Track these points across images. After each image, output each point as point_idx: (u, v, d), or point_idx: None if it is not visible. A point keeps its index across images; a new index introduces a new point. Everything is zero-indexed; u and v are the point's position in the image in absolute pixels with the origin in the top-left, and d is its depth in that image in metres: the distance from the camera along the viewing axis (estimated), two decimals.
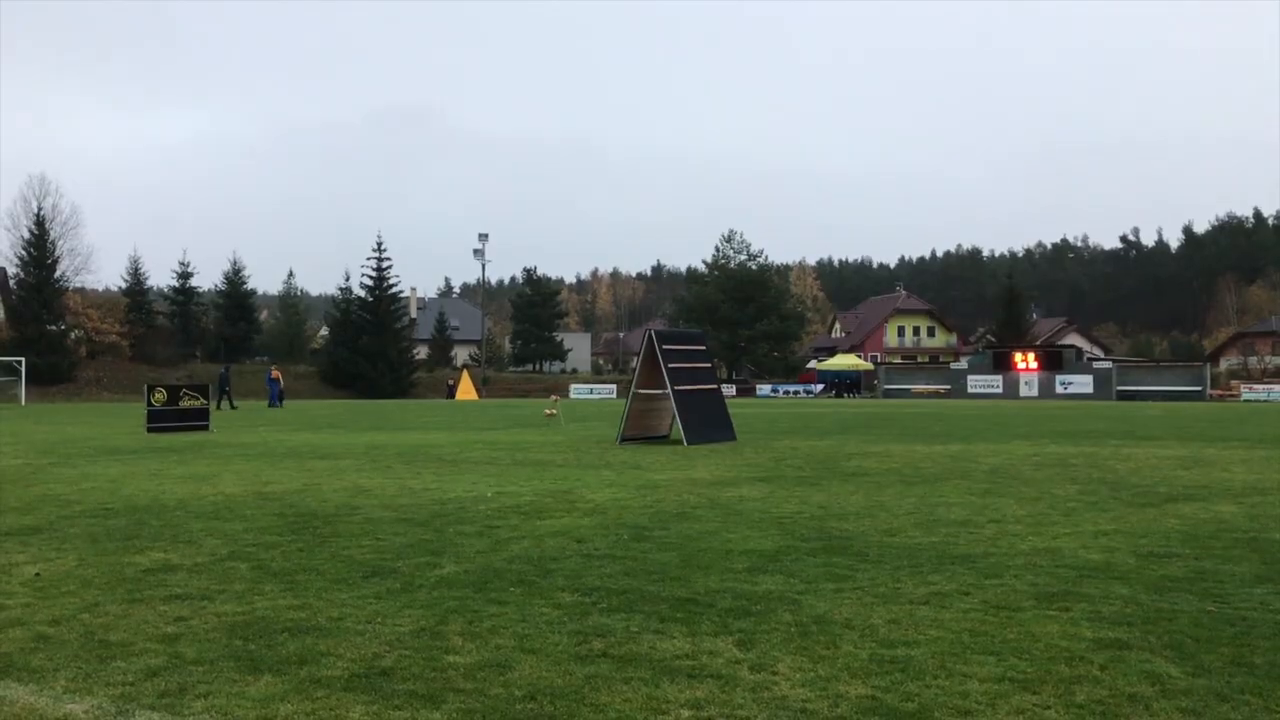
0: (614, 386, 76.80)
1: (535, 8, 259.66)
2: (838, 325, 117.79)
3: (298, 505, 10.69)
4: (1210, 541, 8.08)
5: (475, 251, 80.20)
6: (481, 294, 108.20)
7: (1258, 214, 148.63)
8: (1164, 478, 13.16)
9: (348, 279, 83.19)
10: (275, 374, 51.28)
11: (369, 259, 80.00)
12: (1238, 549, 7.73)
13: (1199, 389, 66.37)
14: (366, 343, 75.80)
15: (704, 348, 22.11)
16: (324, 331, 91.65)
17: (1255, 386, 70.13)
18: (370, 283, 79.75)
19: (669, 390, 19.80)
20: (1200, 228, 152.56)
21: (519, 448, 19.27)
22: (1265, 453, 17.39)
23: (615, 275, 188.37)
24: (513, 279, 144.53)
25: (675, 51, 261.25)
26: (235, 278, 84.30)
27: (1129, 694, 4.29)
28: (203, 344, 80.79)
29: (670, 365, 19.87)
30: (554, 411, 30.76)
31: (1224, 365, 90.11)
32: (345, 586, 6.55)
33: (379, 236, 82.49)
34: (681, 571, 6.95)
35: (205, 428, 26.48)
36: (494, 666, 4.77)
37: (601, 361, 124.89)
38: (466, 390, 68.23)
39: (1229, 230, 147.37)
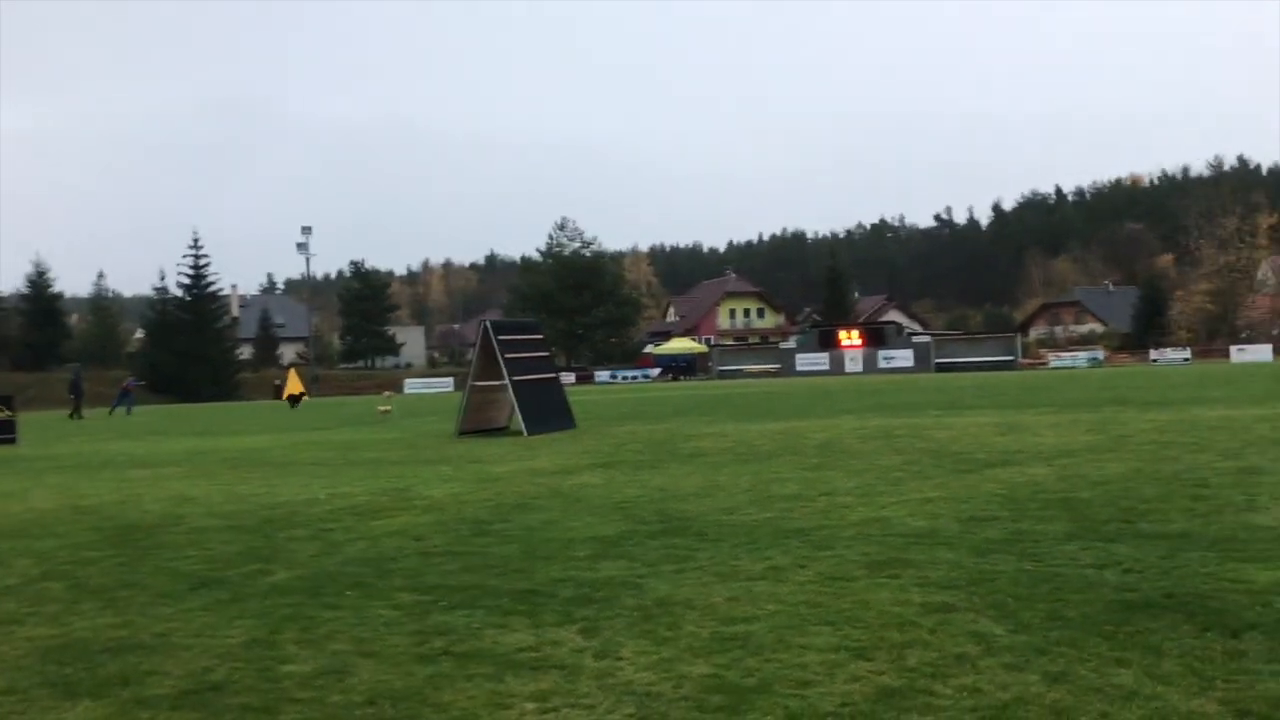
0: (450, 379, 75.91)
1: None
2: (672, 310, 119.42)
3: (117, 518, 10.16)
4: (1026, 503, 8.52)
5: (299, 245, 78.09)
6: (307, 289, 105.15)
7: (1059, 191, 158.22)
8: (981, 444, 13.81)
9: (163, 278, 79.78)
10: (126, 385, 48.91)
11: (185, 257, 76.80)
12: (1050, 509, 8.18)
13: (1011, 358, 70.12)
14: (185, 344, 72.73)
15: (540, 337, 22.04)
16: (139, 334, 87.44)
17: (1061, 354, 74.60)
18: (188, 281, 76.50)
19: (506, 381, 19.66)
20: (1008, 205, 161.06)
21: (352, 447, 18.82)
22: (1072, 416, 18.46)
23: (448, 266, 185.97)
24: (340, 273, 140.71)
25: (504, 37, 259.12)
26: (39, 280, 79.57)
27: (956, 654, 4.48)
28: (5, 351, 75.93)
29: (507, 355, 19.73)
30: (388, 408, 30.17)
31: (1033, 335, 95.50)
32: (171, 600, 6.26)
33: (195, 233, 79.19)
34: (523, 563, 6.91)
35: (12, 441, 24.88)
36: (331, 673, 4.64)
37: (437, 354, 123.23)
38: (294, 389, 66.24)
39: (1034, 207, 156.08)
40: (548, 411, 20.32)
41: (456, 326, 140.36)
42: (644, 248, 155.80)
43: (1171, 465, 10.61)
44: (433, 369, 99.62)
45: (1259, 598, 5.15)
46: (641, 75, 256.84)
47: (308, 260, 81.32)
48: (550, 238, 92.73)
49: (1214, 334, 78.71)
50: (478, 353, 20.54)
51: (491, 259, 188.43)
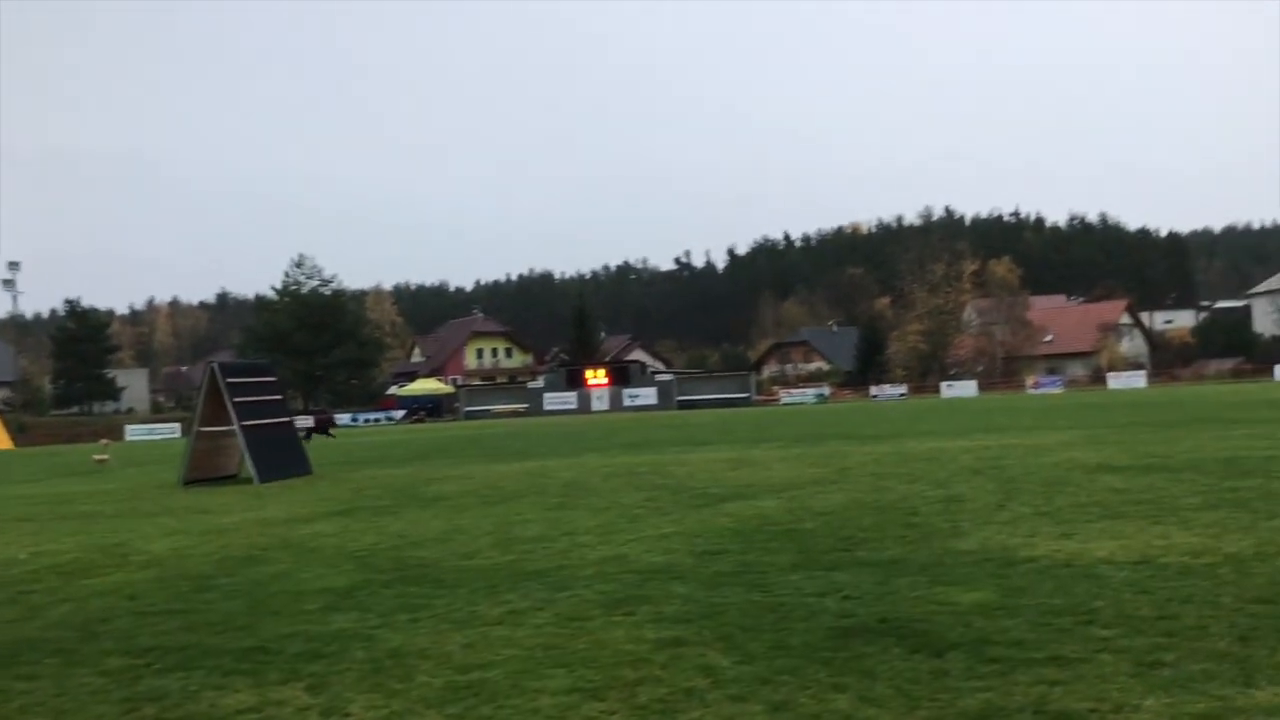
0: (177, 425, 71.46)
1: (87, 12, 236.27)
2: (417, 350, 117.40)
3: None
4: (755, 535, 8.87)
5: (5, 282, 71.65)
6: (13, 329, 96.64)
7: (788, 237, 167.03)
8: (716, 479, 14.29)
9: None
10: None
11: None
12: (777, 540, 8.54)
13: (746, 395, 73.20)
14: None
15: (274, 379, 21.10)
16: None
17: (791, 391, 78.43)
18: None
19: (236, 426, 18.70)
20: (742, 250, 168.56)
21: (62, 500, 17.35)
22: (800, 450, 19.42)
23: (175, 305, 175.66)
24: (53, 312, 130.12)
25: (236, 70, 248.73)
26: None
27: (686, 689, 4.58)
28: None
29: (236, 399, 18.78)
30: (105, 456, 28.04)
31: (766, 373, 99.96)
32: None
33: None
34: (248, 619, 6.56)
35: None
36: None
37: (162, 399, 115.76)
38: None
39: (766, 252, 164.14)
40: (281, 457, 19.46)
41: (184, 369, 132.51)
42: (387, 286, 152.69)
43: (887, 495, 11.33)
44: (157, 414, 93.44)
45: (962, 618, 5.55)
46: (385, 114, 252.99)
47: (14, 298, 74.93)
48: (287, 275, 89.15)
49: (926, 371, 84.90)
50: (204, 396, 19.44)
51: (223, 297, 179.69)
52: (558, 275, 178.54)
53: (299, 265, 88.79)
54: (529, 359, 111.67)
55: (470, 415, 73.87)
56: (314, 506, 13.77)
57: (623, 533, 9.50)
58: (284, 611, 6.74)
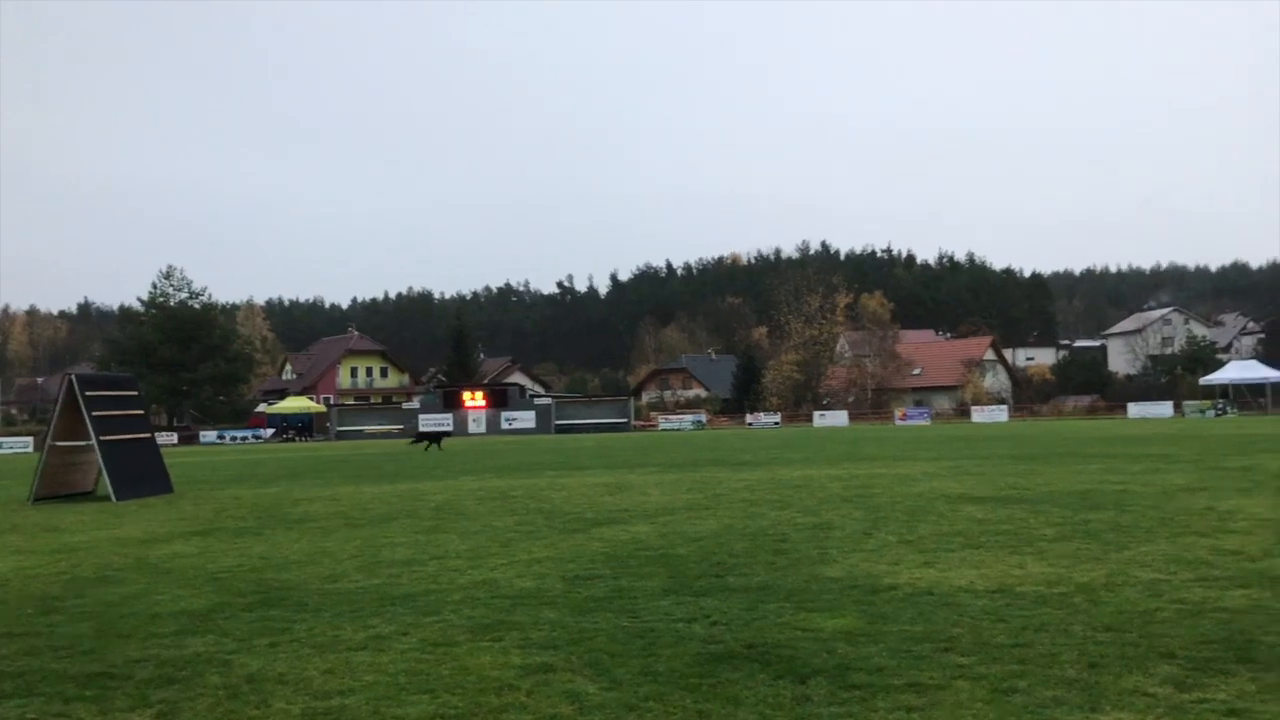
0: (30, 439, 68.15)
1: None
2: (289, 367, 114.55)
3: None
4: (628, 560, 8.87)
5: None
6: None
7: (669, 265, 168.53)
8: (592, 504, 14.27)
9: None
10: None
11: None
12: (650, 565, 8.56)
13: (625, 420, 73.42)
14: None
15: (136, 393, 20.31)
16: None
17: (670, 417, 78.94)
18: None
19: (93, 441, 17.92)
20: (624, 276, 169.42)
21: None
22: (676, 476, 19.54)
23: (32, 313, 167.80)
24: None
25: (107, 69, 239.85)
26: None
27: (551, 715, 4.54)
28: None
29: (95, 413, 18.01)
30: None
31: (645, 398, 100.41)
32: None
33: None
34: (96, 643, 6.26)
35: None
36: None
37: (15, 411, 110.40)
38: None
39: (648, 279, 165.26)
40: (140, 474, 18.72)
41: (40, 380, 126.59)
42: (260, 301, 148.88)
43: (759, 522, 11.47)
44: (10, 427, 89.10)
45: (825, 644, 5.64)
46: (264, 125, 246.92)
47: None
48: (154, 286, 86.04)
49: (800, 400, 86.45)
50: (60, 409, 18.60)
51: (85, 307, 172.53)
52: (437, 295, 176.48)
53: (168, 277, 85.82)
54: (405, 379, 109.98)
55: (342, 435, 72.32)
56: (173, 526, 13.28)
57: (494, 557, 9.40)
58: (135, 635, 6.46)
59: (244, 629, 6.56)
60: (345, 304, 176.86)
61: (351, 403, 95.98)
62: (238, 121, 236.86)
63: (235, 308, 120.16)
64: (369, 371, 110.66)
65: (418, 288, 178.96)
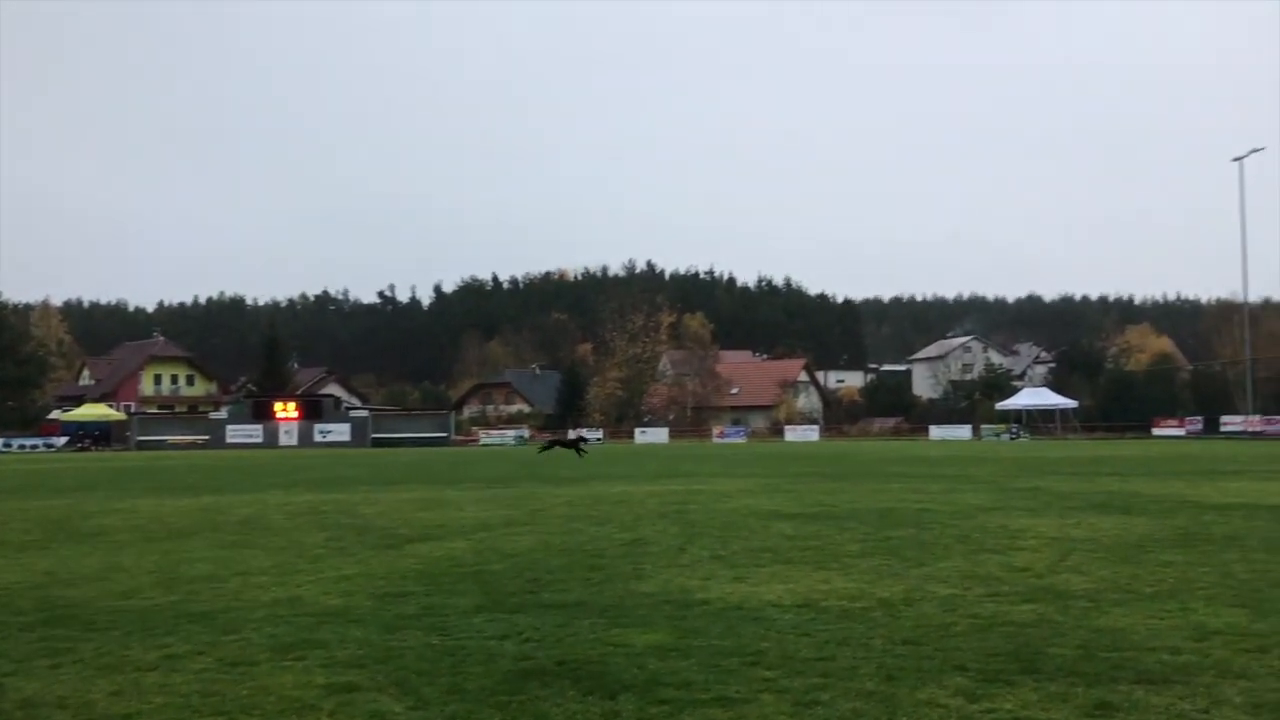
0: None
1: None
2: (87, 372, 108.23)
3: None
4: (441, 578, 8.71)
5: None
6: None
7: (495, 278, 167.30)
8: (406, 520, 13.99)
9: None
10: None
11: None
12: (463, 582, 8.43)
13: (445, 435, 72.45)
14: None
15: None
16: None
17: (491, 432, 78.35)
18: None
19: None
20: (449, 288, 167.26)
21: None
22: (494, 492, 19.37)
23: None
24: None
25: None
26: None
27: None
28: None
29: None
30: None
31: (467, 413, 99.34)
32: None
33: None
34: None
35: None
36: None
37: None
38: None
39: (473, 291, 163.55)
40: None
41: None
42: (57, 301, 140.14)
43: (576, 537, 11.47)
44: None
45: (636, 660, 5.66)
46: (77, 115, 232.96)
47: None
48: None
49: (623, 416, 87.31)
50: None
51: None
52: (250, 301, 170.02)
53: None
54: (213, 388, 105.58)
55: (143, 445, 68.77)
56: None
57: (301, 573, 9.09)
58: None
59: (22, 649, 6.12)
60: (151, 308, 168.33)
61: (155, 411, 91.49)
62: (29, 111, 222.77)
63: (29, 308, 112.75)
64: (174, 379, 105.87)
65: (229, 292, 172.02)
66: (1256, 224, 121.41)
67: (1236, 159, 66.02)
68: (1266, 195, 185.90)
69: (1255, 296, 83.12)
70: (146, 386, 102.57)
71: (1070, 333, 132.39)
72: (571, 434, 44.37)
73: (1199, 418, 68.77)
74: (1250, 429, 62.35)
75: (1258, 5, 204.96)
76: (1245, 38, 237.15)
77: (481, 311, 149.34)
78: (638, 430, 78.93)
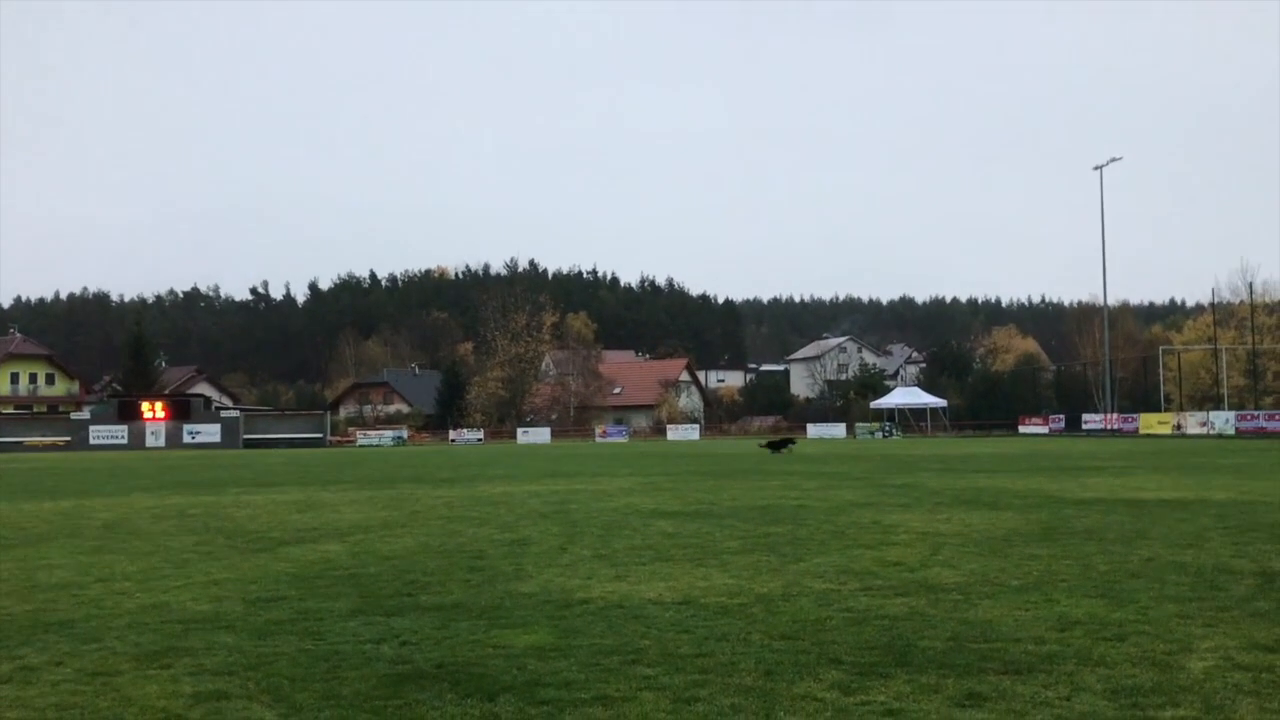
0: None
1: None
2: None
3: None
4: (316, 581, 8.51)
5: None
6: None
7: (373, 275, 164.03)
8: (279, 522, 13.63)
9: None
10: None
11: None
12: (340, 585, 8.25)
13: (321, 435, 70.84)
14: None
15: None
16: None
17: (369, 432, 76.92)
18: None
19: None
20: (325, 285, 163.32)
21: None
22: (371, 493, 19.03)
23: None
24: None
25: None
26: None
27: None
28: None
29: None
30: None
31: (343, 413, 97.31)
32: None
33: None
34: None
35: None
36: None
37: None
38: None
39: (350, 289, 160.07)
40: None
41: None
42: None
43: (456, 539, 11.34)
44: None
45: (516, 661, 5.62)
46: None
47: None
48: None
49: (505, 417, 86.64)
50: None
51: None
52: (115, 297, 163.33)
53: None
54: (75, 387, 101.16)
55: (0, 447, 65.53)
56: None
57: (167, 579, 8.77)
58: None
59: None
60: (7, 303, 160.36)
61: (11, 411, 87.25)
62: None
63: None
64: (33, 378, 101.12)
65: (93, 288, 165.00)
66: (1116, 230, 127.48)
67: (1097, 167, 68.78)
68: (1125, 202, 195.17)
69: (1114, 299, 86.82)
70: (3, 385, 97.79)
71: (941, 333, 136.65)
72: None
73: (1061, 416, 71.60)
74: (1109, 426, 65.17)
75: (1121, 20, 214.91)
76: (1107, 52, 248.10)
77: (358, 309, 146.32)
78: (520, 430, 78.49)
